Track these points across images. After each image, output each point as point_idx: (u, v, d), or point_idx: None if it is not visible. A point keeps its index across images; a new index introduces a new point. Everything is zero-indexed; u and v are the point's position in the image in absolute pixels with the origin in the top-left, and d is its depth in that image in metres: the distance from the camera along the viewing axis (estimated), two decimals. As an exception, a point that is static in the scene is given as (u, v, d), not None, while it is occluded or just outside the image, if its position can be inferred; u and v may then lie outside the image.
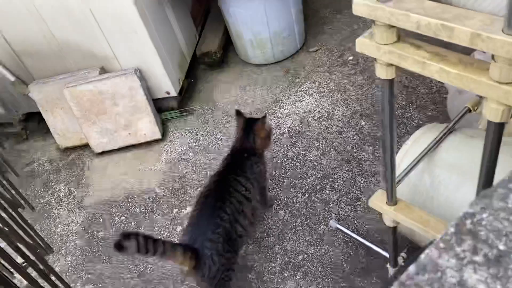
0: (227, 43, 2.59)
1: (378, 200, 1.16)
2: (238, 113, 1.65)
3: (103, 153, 2.23)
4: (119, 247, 1.16)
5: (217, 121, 2.23)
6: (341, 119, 2.03)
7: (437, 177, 1.25)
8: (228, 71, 2.51)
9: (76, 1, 1.92)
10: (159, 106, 2.30)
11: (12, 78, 2.21)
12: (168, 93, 2.23)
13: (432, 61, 0.79)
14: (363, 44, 0.89)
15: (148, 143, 2.21)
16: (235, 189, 1.45)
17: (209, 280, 1.35)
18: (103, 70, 2.14)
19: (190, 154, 2.10)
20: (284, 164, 1.93)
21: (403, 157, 1.34)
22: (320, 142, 1.97)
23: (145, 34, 2.00)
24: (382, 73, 0.90)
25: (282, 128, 2.09)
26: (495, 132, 0.76)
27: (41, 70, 2.20)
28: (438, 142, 1.29)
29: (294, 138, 2.03)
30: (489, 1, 0.71)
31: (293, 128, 2.08)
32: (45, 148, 2.38)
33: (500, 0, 0.66)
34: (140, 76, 2.07)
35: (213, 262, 1.34)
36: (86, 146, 2.27)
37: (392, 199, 1.13)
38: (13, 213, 1.47)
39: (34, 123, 2.50)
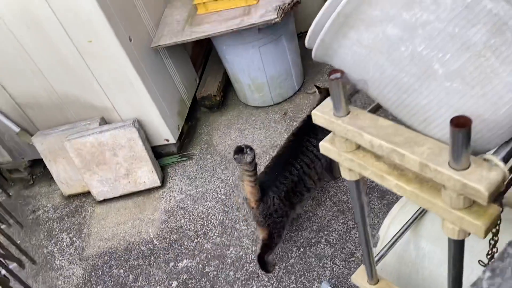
0: (227, 85, 2.62)
1: (360, 277, 1.15)
2: (318, 88, 1.90)
3: (104, 200, 2.27)
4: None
5: (215, 166, 2.24)
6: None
7: (422, 249, 1.23)
8: (228, 114, 2.53)
9: (74, 58, 1.97)
10: (159, 151, 2.33)
11: (17, 129, 2.27)
12: (167, 140, 2.26)
13: (390, 176, 0.79)
14: (325, 149, 0.89)
15: (148, 190, 2.23)
16: (307, 148, 1.69)
17: (264, 217, 1.59)
18: (103, 121, 2.19)
19: (188, 202, 2.12)
20: (280, 215, 1.93)
21: (390, 224, 1.32)
22: (316, 192, 1.96)
23: (142, 87, 2.04)
24: (346, 175, 0.90)
25: (279, 175, 2.09)
26: (456, 247, 0.75)
27: (43, 121, 2.27)
28: (424, 210, 1.28)
29: (291, 186, 2.03)
30: (438, 128, 0.71)
31: (290, 175, 2.07)
32: (49, 194, 2.44)
33: (447, 129, 0.66)
34: (138, 127, 2.10)
35: (273, 204, 1.59)
36: (88, 193, 2.31)
37: (372, 278, 1.12)
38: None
39: (39, 168, 2.57)
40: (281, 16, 1.98)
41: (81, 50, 1.94)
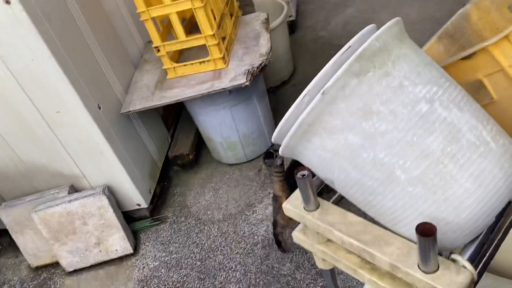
0: (200, 142, 2.61)
1: None
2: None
3: (74, 271, 2.17)
4: None
5: (190, 230, 2.20)
6: (313, 226, 2.01)
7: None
8: (201, 172, 2.51)
9: (42, 128, 1.93)
10: (131, 216, 2.27)
11: (-19, 200, 2.19)
12: (139, 205, 2.22)
13: (362, 270, 0.78)
14: (298, 239, 0.88)
15: (120, 259, 2.16)
16: None
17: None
18: (72, 189, 2.13)
19: (162, 270, 2.05)
20: (258, 280, 1.88)
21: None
22: (294, 253, 1.93)
23: (112, 153, 2.01)
24: (320, 264, 0.89)
25: (255, 237, 2.06)
26: None
27: (10, 191, 2.19)
28: None
29: (268, 248, 2.00)
30: (406, 228, 0.72)
31: (266, 236, 2.05)
32: (16, 266, 2.32)
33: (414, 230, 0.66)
34: (108, 195, 2.06)
35: None
36: (57, 264, 2.21)
37: None
38: None
39: (5, 238, 2.45)
40: (250, 80, 2.01)
41: (49, 121, 1.91)
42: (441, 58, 1.08)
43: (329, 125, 0.70)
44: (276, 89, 2.90)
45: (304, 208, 0.83)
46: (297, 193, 0.87)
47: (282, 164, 1.71)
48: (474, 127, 0.69)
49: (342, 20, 3.33)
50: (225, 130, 2.31)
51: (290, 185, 1.79)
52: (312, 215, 0.81)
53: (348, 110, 0.69)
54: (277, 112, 2.70)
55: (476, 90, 0.84)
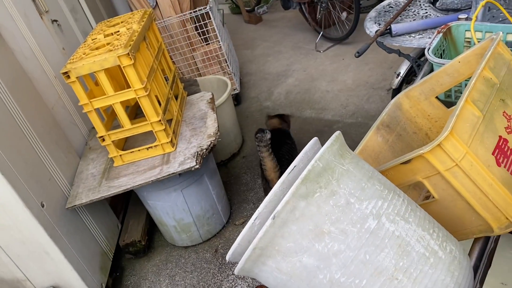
0: (152, 226, 2.52)
1: None
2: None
3: None
4: None
5: (147, 325, 2.06)
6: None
7: None
8: (155, 258, 2.40)
9: (-23, 233, 1.79)
10: (82, 316, 2.10)
11: None
12: (90, 303, 2.06)
13: None
14: None
15: None
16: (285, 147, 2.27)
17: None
18: (13, 295, 1.96)
19: None
20: None
21: None
22: None
23: (57, 252, 1.89)
24: None
25: (217, 326, 1.97)
26: None
27: None
28: None
29: (231, 337, 1.90)
30: None
31: (229, 323, 1.96)
32: None
33: None
34: (55, 298, 1.91)
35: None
36: None
37: None
38: None
39: None
40: (200, 162, 2.00)
41: (-15, 225, 1.78)
42: (381, 149, 1.13)
43: (283, 248, 0.70)
44: (226, 162, 2.91)
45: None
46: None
47: (269, 139, 2.02)
48: (422, 238, 0.71)
49: (284, 90, 3.47)
50: (177, 212, 2.25)
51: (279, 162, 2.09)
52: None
53: (300, 232, 0.69)
54: (229, 185, 2.70)
55: (419, 190, 0.88)
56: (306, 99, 3.30)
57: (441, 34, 1.38)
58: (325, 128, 2.97)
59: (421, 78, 1.34)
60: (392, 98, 2.66)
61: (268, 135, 1.99)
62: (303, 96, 3.35)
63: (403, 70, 2.44)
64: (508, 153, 0.84)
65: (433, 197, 0.84)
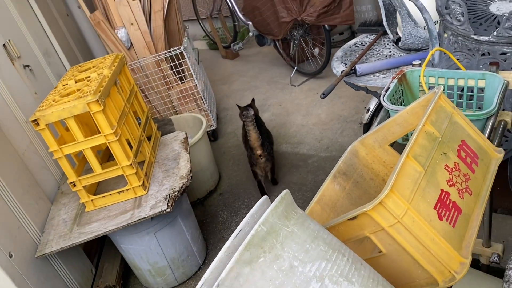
0: (127, 269, 2.49)
1: None
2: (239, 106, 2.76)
3: None
4: None
5: None
6: None
7: None
8: (131, 303, 2.36)
9: None
10: None
11: None
12: None
13: None
14: None
15: None
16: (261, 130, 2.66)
17: (267, 154, 2.64)
18: None
19: None
20: None
21: None
22: None
23: (26, 304, 1.85)
24: None
25: None
26: None
27: None
28: None
29: None
30: None
31: None
32: None
33: None
34: None
35: (269, 147, 2.66)
36: None
37: None
38: None
39: None
40: (172, 205, 2.00)
41: (-51, 279, 1.74)
42: (338, 197, 1.16)
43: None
44: (203, 200, 2.91)
45: None
46: None
47: (253, 115, 2.50)
48: (365, 298, 0.72)
49: (261, 125, 3.51)
50: (151, 256, 2.23)
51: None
52: None
53: (245, 298, 0.70)
54: (205, 225, 2.69)
55: (368, 244, 0.90)
56: (282, 134, 3.34)
57: (396, 80, 1.43)
58: (301, 162, 3.00)
59: (378, 123, 1.39)
60: (363, 133, 2.71)
61: (252, 112, 2.48)
62: (279, 130, 3.40)
63: (372, 105, 2.50)
64: (450, 206, 0.87)
65: (380, 251, 0.87)
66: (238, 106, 2.73)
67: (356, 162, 1.23)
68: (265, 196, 0.87)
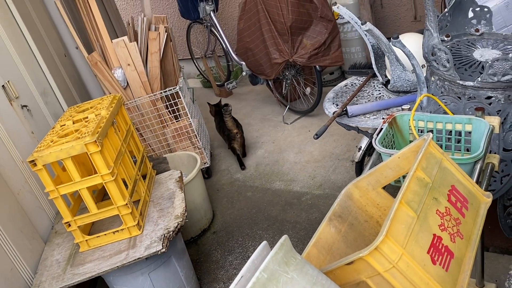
0: (119, 310, 2.44)
1: None
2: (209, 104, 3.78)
3: None
4: None
5: None
6: None
7: None
8: None
9: None
10: None
11: None
12: None
13: None
14: None
15: None
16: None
17: (242, 133, 3.59)
18: None
19: None
20: None
21: None
22: None
23: None
24: None
25: None
26: None
27: None
28: None
29: None
30: None
31: None
32: None
33: None
34: None
35: (240, 130, 3.59)
36: None
37: None
38: None
39: None
40: (166, 245, 2.00)
41: None
42: (334, 240, 1.19)
43: None
44: (197, 239, 2.90)
45: None
46: None
47: (231, 110, 3.40)
48: None
49: (254, 162, 3.56)
50: (145, 297, 2.20)
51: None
52: None
53: None
54: (199, 264, 2.67)
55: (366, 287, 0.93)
56: (275, 171, 3.38)
57: (386, 124, 1.49)
58: (294, 200, 3.02)
59: (370, 166, 1.43)
60: (355, 170, 2.75)
61: (230, 107, 3.39)
62: (272, 168, 3.43)
63: (363, 144, 2.56)
64: (443, 250, 0.90)
65: (378, 296, 0.89)
66: (208, 103, 3.77)
67: (350, 205, 1.26)
68: (264, 242, 0.89)
